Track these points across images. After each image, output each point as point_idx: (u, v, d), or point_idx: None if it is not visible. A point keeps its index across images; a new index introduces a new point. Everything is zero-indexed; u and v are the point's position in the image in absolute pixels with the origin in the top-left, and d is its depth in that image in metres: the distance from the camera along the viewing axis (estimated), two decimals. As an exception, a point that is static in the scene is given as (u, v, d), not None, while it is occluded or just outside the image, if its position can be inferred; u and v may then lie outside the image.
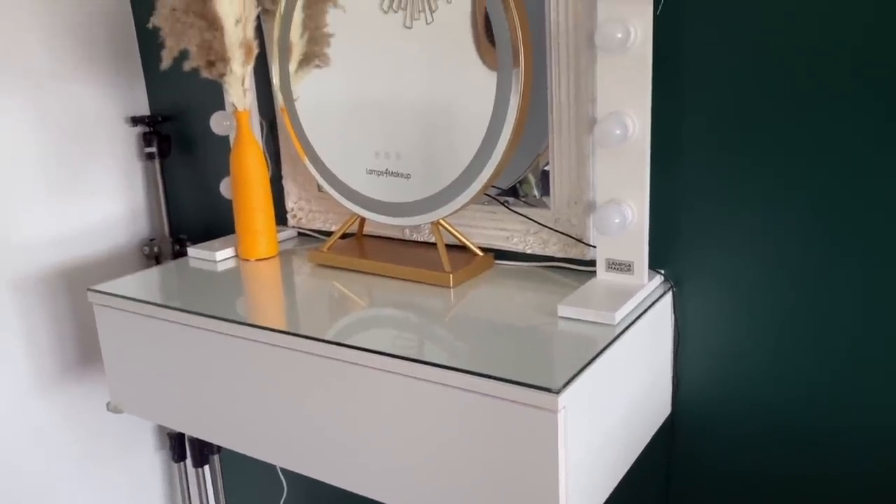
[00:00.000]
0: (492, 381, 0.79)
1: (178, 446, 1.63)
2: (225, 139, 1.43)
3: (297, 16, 1.19)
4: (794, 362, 1.00)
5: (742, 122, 0.95)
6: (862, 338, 0.95)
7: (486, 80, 1.03)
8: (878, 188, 0.89)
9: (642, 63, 0.92)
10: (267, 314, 1.06)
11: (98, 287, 1.18)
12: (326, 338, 0.94)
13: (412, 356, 0.86)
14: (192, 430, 1.16)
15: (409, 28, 1.09)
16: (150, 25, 1.14)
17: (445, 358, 0.85)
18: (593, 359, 0.83)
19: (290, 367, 0.97)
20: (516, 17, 0.98)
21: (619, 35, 0.89)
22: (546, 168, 1.09)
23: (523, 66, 0.99)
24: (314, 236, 1.40)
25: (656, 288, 1.02)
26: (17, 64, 1.36)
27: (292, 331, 0.97)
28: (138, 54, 1.55)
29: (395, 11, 1.10)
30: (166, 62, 1.14)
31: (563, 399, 0.76)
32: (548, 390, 0.76)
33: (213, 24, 1.14)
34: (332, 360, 0.92)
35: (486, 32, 1.02)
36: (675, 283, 1.05)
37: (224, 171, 1.48)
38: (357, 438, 0.94)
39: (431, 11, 1.07)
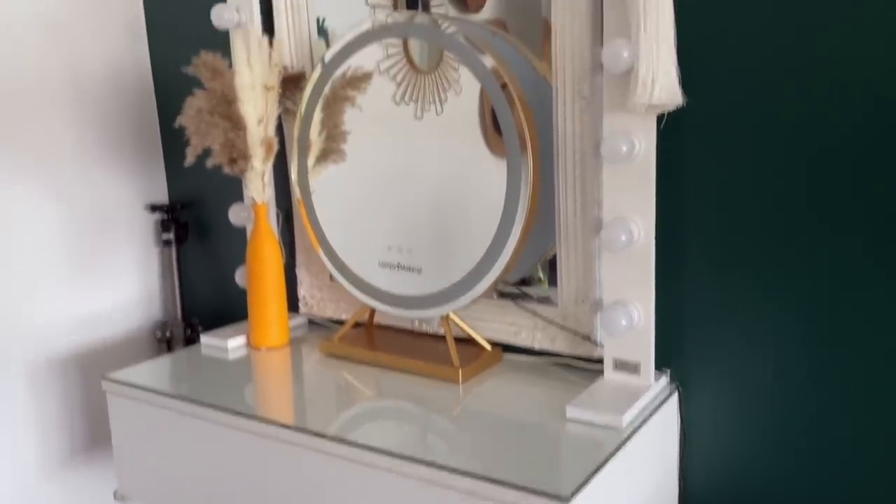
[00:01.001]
0: (500, 486, 0.80)
1: (180, 533, 1.60)
2: (240, 228, 1.47)
3: (317, 115, 1.25)
4: (798, 464, 1.00)
5: (743, 229, 0.99)
6: (865, 440, 0.95)
7: (497, 169, 1.07)
8: (876, 296, 0.92)
9: (646, 173, 0.97)
10: (275, 406, 1.08)
11: (112, 375, 1.20)
12: (332, 432, 0.95)
13: (418, 455, 0.87)
14: (197, 522, 1.16)
15: (420, 119, 1.15)
16: (176, 125, 1.19)
17: (452, 458, 0.86)
18: (602, 464, 0.84)
19: (295, 461, 0.98)
20: (521, 114, 1.03)
21: (625, 148, 0.94)
22: (554, 263, 1.12)
23: (531, 154, 1.03)
24: (325, 325, 1.42)
25: (662, 388, 1.04)
26: (45, 150, 1.42)
27: (299, 424, 0.99)
28: (160, 144, 1.61)
29: (407, 103, 1.16)
30: (190, 159, 1.19)
31: (573, 506, 0.77)
32: (558, 497, 0.77)
33: (236, 124, 1.20)
34: (337, 457, 0.93)
35: (493, 123, 1.07)
36: (681, 383, 1.06)
37: (238, 258, 1.52)
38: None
39: (441, 103, 1.12)
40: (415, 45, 1.14)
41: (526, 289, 1.17)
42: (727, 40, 0.96)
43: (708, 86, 0.98)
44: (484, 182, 1.09)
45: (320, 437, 0.95)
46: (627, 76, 0.92)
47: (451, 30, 1.08)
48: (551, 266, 1.14)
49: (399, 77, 1.16)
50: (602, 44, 0.97)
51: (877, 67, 0.88)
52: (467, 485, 0.83)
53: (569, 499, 0.77)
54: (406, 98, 1.16)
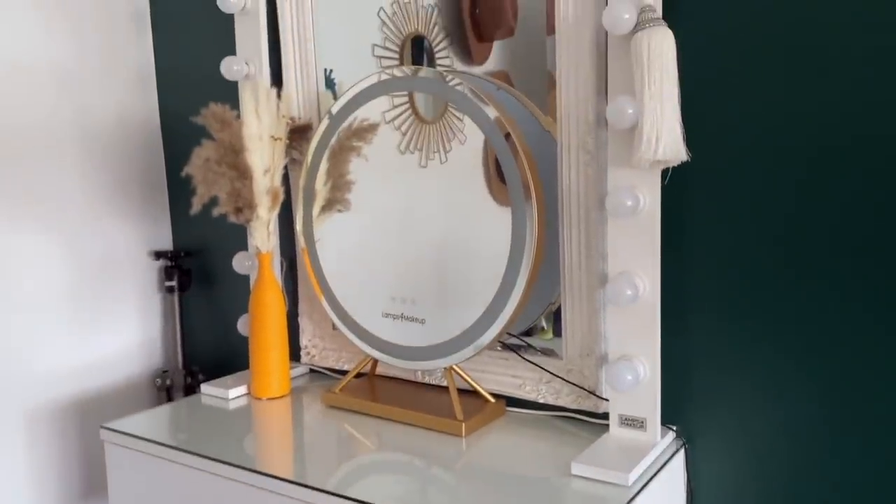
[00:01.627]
0: (506, 546, 0.78)
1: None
2: (243, 276, 1.47)
3: (323, 165, 1.26)
4: (810, 525, 0.98)
5: (748, 282, 0.99)
6: (882, 497, 0.94)
7: (500, 219, 1.07)
8: (887, 348, 0.91)
9: (651, 227, 0.97)
10: (275, 458, 1.06)
11: (110, 424, 1.19)
12: (332, 485, 0.94)
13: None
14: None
15: (425, 167, 1.15)
16: (183, 174, 1.20)
17: (458, 517, 0.85)
18: (608, 524, 0.82)
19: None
20: (525, 164, 1.03)
21: (629, 203, 0.94)
22: (559, 314, 1.11)
23: (535, 204, 1.04)
24: (327, 374, 1.41)
25: (669, 445, 1.02)
26: (51, 195, 1.43)
27: (299, 477, 0.97)
28: (166, 191, 1.63)
29: (412, 152, 1.17)
30: (196, 208, 1.19)
31: (579, 569, 0.75)
32: (563, 560, 0.75)
33: (243, 174, 1.21)
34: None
35: (497, 172, 1.08)
36: (688, 439, 1.05)
37: (240, 307, 1.51)
38: None
39: (446, 151, 1.13)
40: (420, 96, 1.16)
41: (530, 340, 1.17)
42: (731, 96, 0.98)
43: (711, 141, 0.99)
44: (488, 232, 1.09)
45: (320, 491, 0.93)
46: (632, 132, 0.93)
47: (456, 83, 1.09)
48: (556, 317, 1.13)
49: (404, 127, 1.17)
50: (606, 97, 0.98)
51: (884, 123, 0.89)
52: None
53: (575, 561, 0.75)
54: (411, 147, 1.17)
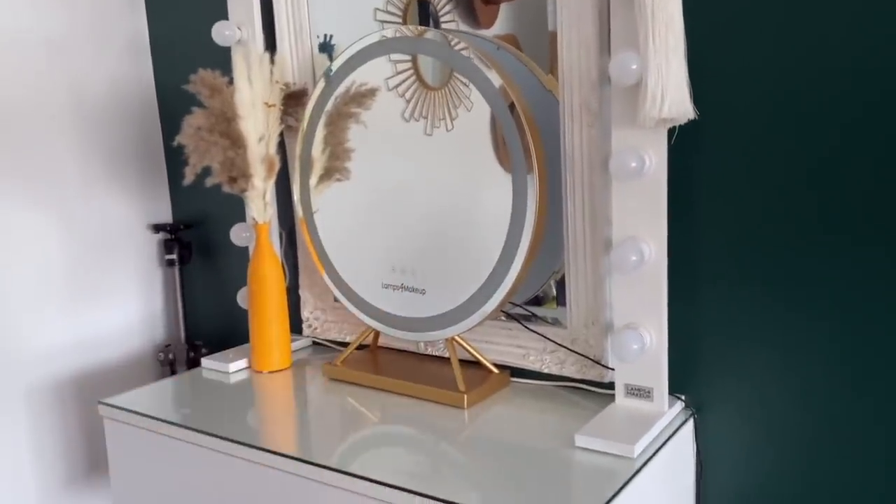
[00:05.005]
0: (505, 522, 0.76)
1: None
2: (243, 248, 1.44)
3: (320, 132, 1.22)
4: (819, 493, 0.95)
5: (758, 246, 0.95)
6: (885, 469, 0.91)
7: (506, 186, 1.03)
8: (903, 319, 0.87)
9: (657, 189, 0.92)
10: (276, 433, 1.04)
11: (109, 400, 1.17)
12: (334, 460, 0.92)
13: (423, 485, 0.83)
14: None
15: (430, 135, 1.11)
16: (175, 143, 1.17)
17: (457, 488, 0.82)
18: (613, 496, 0.79)
19: (296, 491, 0.94)
20: (528, 132, 0.99)
21: (634, 164, 0.90)
22: (563, 283, 1.08)
23: (537, 173, 1.00)
24: (329, 346, 1.39)
25: (677, 415, 0.99)
26: (47, 170, 1.40)
27: (300, 452, 0.95)
28: (164, 163, 1.59)
29: (417, 120, 1.13)
30: (189, 179, 1.16)
31: (581, 545, 0.72)
32: (564, 535, 0.72)
33: (236, 142, 1.18)
34: (339, 488, 0.90)
35: (504, 139, 1.04)
36: (697, 409, 1.01)
37: (242, 279, 1.49)
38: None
39: (452, 119, 1.09)
40: (424, 62, 1.11)
41: (534, 309, 1.13)
42: (740, 52, 0.93)
43: (720, 99, 0.94)
44: (491, 201, 1.05)
45: (322, 467, 0.91)
46: (636, 89, 0.88)
47: (456, 44, 1.05)
48: (560, 286, 1.10)
49: (408, 94, 1.13)
50: (609, 55, 0.93)
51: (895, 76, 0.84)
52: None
53: (576, 537, 0.72)
54: (416, 115, 1.13)
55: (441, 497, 0.81)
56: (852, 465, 0.93)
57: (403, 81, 1.13)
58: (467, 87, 1.06)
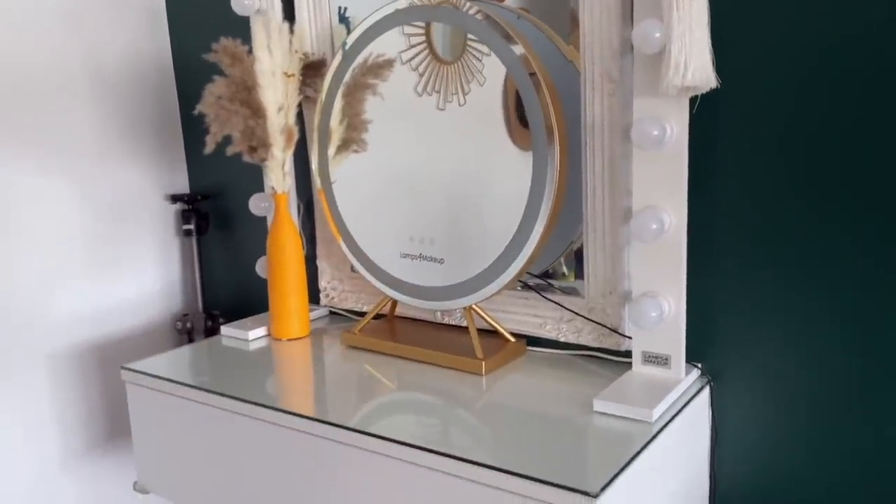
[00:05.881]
0: (527, 481, 0.77)
1: (200, 525, 1.60)
2: (261, 218, 1.46)
3: (338, 103, 1.23)
4: (832, 462, 0.96)
5: (778, 217, 0.95)
6: (908, 440, 0.92)
7: (520, 160, 1.04)
8: (921, 288, 0.88)
9: (678, 159, 0.93)
10: (296, 397, 1.06)
11: (131, 365, 1.19)
12: (353, 423, 0.93)
13: (441, 448, 0.85)
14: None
15: (443, 110, 1.12)
16: (195, 112, 1.18)
17: (477, 452, 0.84)
18: (631, 459, 0.81)
19: (315, 453, 0.96)
20: (548, 98, 1.00)
21: (656, 132, 0.90)
22: (580, 253, 1.09)
23: (558, 143, 1.00)
24: (346, 315, 1.40)
25: (693, 382, 1.00)
26: (65, 141, 1.42)
27: (320, 416, 0.97)
28: (181, 135, 1.60)
29: (430, 94, 1.13)
30: (210, 147, 1.17)
31: (602, 503, 0.74)
32: (585, 493, 0.74)
33: (256, 111, 1.18)
34: (358, 448, 0.91)
35: (517, 113, 1.04)
36: (713, 377, 1.03)
37: (259, 249, 1.50)
38: (385, 532, 0.92)
39: (465, 94, 1.10)
40: (437, 35, 1.11)
41: (551, 280, 1.14)
42: (765, 18, 0.92)
43: (743, 68, 0.94)
44: (508, 172, 1.06)
45: (341, 428, 0.93)
46: (659, 57, 0.88)
47: (475, 12, 1.05)
48: (577, 256, 1.11)
49: (421, 68, 1.13)
50: (632, 24, 0.94)
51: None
52: (492, 479, 0.80)
53: (597, 495, 0.74)
54: (428, 89, 1.13)
55: (461, 455, 0.83)
56: (864, 433, 0.94)
57: (416, 55, 1.13)
58: (480, 61, 1.06)
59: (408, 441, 0.87)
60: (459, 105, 1.10)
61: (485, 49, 1.05)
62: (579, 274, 1.10)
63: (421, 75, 1.13)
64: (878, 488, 0.94)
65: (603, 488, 0.75)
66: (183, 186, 1.62)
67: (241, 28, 1.34)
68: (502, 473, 0.79)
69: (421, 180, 1.16)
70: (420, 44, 1.13)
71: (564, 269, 1.14)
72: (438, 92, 1.12)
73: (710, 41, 0.87)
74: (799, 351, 0.97)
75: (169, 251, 1.60)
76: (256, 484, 1.05)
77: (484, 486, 0.81)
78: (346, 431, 0.93)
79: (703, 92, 0.90)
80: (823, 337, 0.95)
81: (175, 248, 1.61)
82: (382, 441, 0.89)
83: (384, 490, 0.90)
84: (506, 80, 1.04)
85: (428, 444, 0.86)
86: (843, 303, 0.93)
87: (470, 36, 1.06)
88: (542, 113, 1.01)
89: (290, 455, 1.00)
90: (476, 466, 0.81)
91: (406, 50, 1.14)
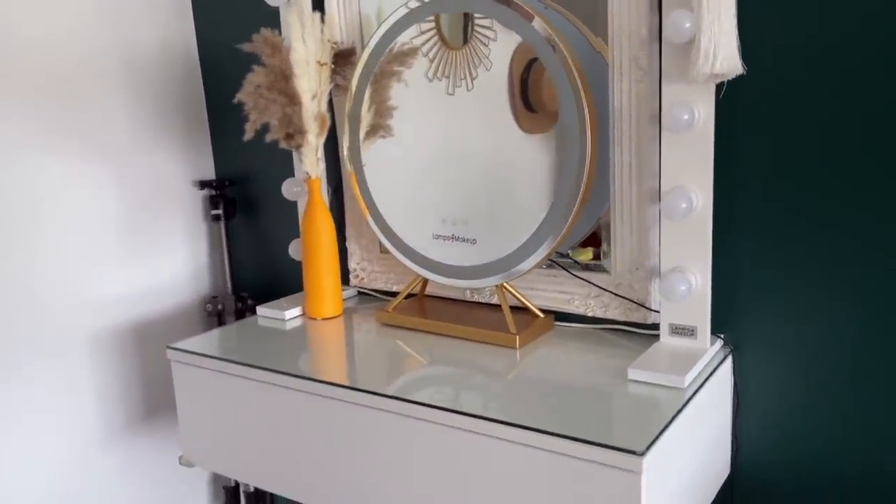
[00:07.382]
0: (576, 442, 0.83)
1: (233, 499, 1.66)
2: (286, 203, 1.50)
3: (368, 90, 1.27)
4: (850, 427, 1.03)
5: (799, 195, 1.01)
6: (919, 403, 0.99)
7: (532, 144, 1.09)
8: (933, 260, 0.94)
9: (705, 141, 0.99)
10: (335, 371, 1.12)
11: (177, 345, 1.24)
12: (393, 392, 0.99)
13: (489, 415, 0.91)
14: (260, 483, 1.20)
15: (452, 95, 1.17)
16: (235, 100, 1.22)
17: (522, 417, 0.90)
18: (670, 421, 0.87)
19: (356, 421, 1.02)
20: (579, 82, 1.05)
21: (686, 117, 0.96)
22: (607, 230, 1.14)
23: (589, 124, 1.05)
24: (375, 296, 1.46)
25: (717, 352, 1.07)
26: (98, 128, 1.46)
27: (363, 386, 1.02)
28: (207, 123, 1.64)
29: (440, 79, 1.18)
30: (249, 134, 1.21)
31: (647, 461, 0.80)
32: (632, 453, 0.80)
33: (292, 99, 1.23)
34: (399, 415, 0.97)
35: (522, 99, 1.10)
36: (735, 347, 1.09)
37: (285, 233, 1.55)
38: (419, 495, 0.98)
39: (472, 79, 1.15)
40: (446, 21, 1.16)
41: (579, 256, 1.20)
42: (786, 8, 0.98)
43: (767, 54, 1.00)
44: (532, 154, 1.11)
45: (382, 396, 0.99)
46: (688, 46, 0.94)
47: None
48: (605, 236, 1.16)
49: (432, 54, 1.18)
50: (659, 13, 0.99)
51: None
52: (540, 441, 0.86)
53: (643, 453, 0.80)
54: (438, 74, 1.18)
55: (509, 420, 0.89)
56: (885, 400, 1.00)
57: (427, 41, 1.18)
58: (486, 46, 1.11)
59: (450, 407, 0.93)
60: (468, 90, 1.15)
61: (513, 33, 1.09)
62: (604, 252, 1.16)
63: (431, 61, 1.19)
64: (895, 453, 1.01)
65: (648, 447, 0.81)
66: (209, 173, 1.66)
67: (263, 18, 1.37)
68: (550, 436, 0.85)
69: (450, 163, 1.21)
70: (430, 29, 1.18)
71: (603, 245, 1.19)
72: (448, 77, 1.17)
73: (736, 29, 0.92)
74: (816, 319, 1.03)
75: (197, 235, 1.64)
76: (298, 454, 1.11)
77: (532, 448, 0.87)
78: (384, 398, 0.98)
79: (730, 78, 0.95)
80: (840, 305, 1.01)
81: (203, 233, 1.66)
82: (423, 407, 0.95)
83: (427, 457, 0.96)
84: (511, 66, 1.09)
85: (472, 410, 0.92)
86: (860, 271, 0.98)
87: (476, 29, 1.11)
88: (575, 98, 1.06)
89: (331, 424, 1.05)
90: (524, 430, 0.87)
91: (417, 36, 1.19)
